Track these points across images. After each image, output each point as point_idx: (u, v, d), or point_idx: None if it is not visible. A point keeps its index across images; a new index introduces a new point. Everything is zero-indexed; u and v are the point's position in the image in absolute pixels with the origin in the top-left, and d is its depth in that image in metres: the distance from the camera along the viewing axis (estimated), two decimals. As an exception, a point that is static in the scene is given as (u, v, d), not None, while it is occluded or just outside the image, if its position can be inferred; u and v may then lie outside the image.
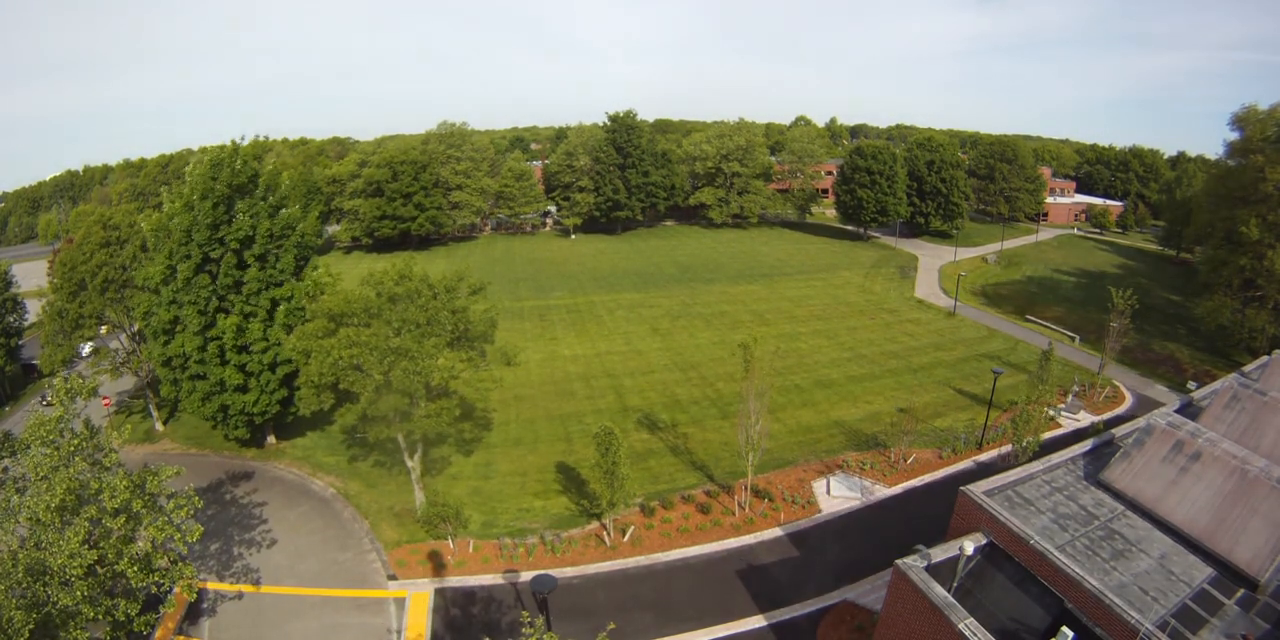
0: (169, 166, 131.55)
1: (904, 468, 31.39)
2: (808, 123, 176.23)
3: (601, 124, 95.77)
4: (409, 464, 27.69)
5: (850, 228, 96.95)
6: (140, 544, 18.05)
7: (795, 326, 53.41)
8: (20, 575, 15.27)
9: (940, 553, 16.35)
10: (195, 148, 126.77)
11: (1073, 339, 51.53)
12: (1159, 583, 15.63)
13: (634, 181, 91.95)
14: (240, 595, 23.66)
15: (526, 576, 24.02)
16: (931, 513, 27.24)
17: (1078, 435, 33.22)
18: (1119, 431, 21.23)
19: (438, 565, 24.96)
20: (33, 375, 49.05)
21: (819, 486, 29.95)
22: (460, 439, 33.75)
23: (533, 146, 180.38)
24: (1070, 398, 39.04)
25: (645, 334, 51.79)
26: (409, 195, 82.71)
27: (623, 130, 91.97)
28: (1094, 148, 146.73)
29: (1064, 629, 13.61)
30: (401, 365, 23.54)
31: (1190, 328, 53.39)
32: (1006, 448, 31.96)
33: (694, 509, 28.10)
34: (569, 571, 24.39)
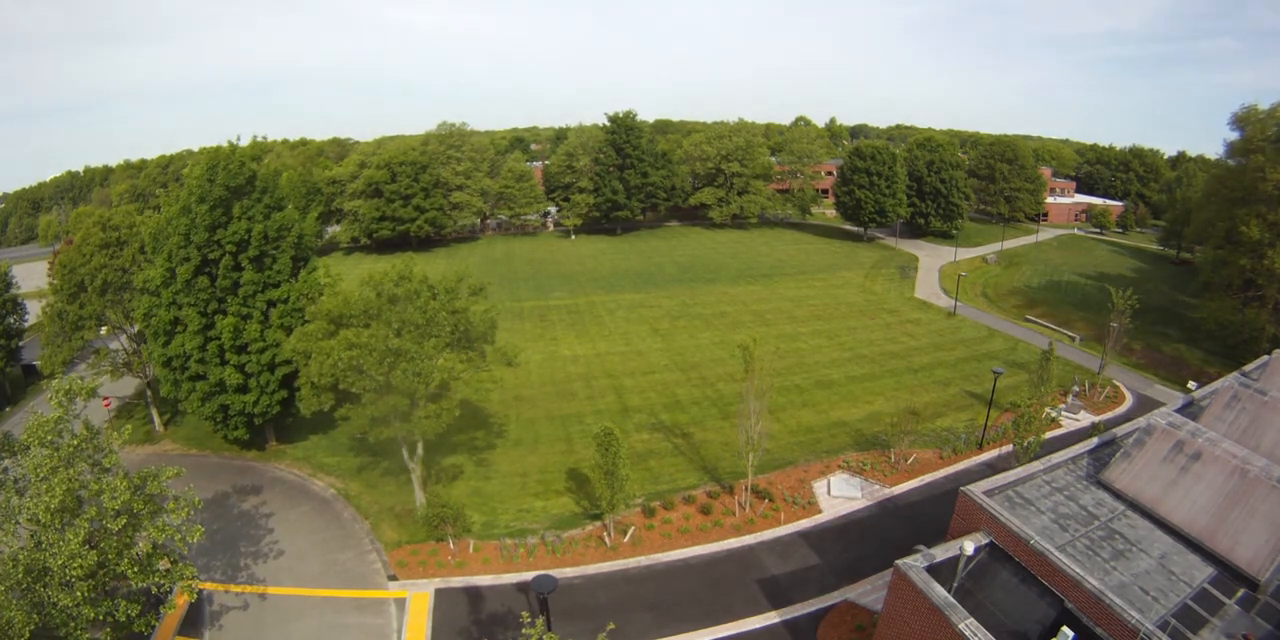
0: (169, 167, 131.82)
1: (905, 468, 31.38)
2: (807, 123, 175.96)
3: (601, 124, 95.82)
4: (410, 465, 27.70)
5: (851, 228, 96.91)
6: (141, 545, 18.05)
7: (795, 327, 53.41)
8: (20, 576, 15.25)
9: (941, 553, 16.37)
10: (195, 148, 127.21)
11: (1073, 339, 51.50)
12: (1159, 582, 15.63)
13: (633, 182, 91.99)
14: (240, 595, 23.66)
15: (527, 577, 24.01)
16: (932, 513, 27.31)
17: (1078, 435, 33.22)
18: (1120, 431, 21.24)
19: (438, 565, 24.95)
20: (33, 377, 49.04)
21: (820, 487, 29.95)
22: (472, 446, 33.79)
23: (533, 147, 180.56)
24: (1070, 398, 39.03)
25: (645, 334, 51.79)
26: (408, 197, 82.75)
27: (622, 131, 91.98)
28: (1094, 148, 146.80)
29: (1064, 629, 13.61)
30: (401, 366, 23.57)
31: (1192, 327, 53.31)
32: (1007, 448, 32.00)
33: (695, 509, 28.09)
34: (569, 572, 24.39)
